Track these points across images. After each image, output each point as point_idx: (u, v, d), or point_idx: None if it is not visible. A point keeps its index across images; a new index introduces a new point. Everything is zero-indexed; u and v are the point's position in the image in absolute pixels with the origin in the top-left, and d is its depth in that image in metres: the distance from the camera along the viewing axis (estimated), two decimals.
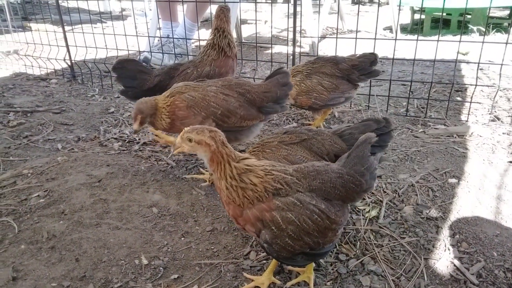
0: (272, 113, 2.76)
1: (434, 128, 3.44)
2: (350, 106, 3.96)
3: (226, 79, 2.76)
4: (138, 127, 2.55)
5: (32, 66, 5.53)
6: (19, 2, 10.00)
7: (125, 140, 3.41)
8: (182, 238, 2.20)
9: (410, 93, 4.08)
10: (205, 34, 7.80)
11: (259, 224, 1.65)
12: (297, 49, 4.01)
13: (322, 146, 2.15)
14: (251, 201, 1.65)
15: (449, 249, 2.12)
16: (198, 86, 2.64)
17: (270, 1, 8.20)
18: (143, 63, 5.25)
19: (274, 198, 1.64)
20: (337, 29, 4.13)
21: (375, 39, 3.61)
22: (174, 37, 5.14)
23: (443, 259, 2.07)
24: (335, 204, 1.74)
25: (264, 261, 2.06)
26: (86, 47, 4.95)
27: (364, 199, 2.53)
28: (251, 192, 1.64)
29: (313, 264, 1.96)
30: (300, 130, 2.21)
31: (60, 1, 4.98)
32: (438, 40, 3.45)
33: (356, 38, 3.67)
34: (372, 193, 2.58)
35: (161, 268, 2.00)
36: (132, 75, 3.06)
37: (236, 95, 2.63)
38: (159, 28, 5.67)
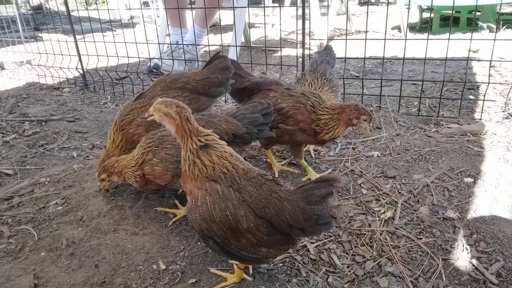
0: (218, 95, 2.86)
1: (448, 127, 3.41)
2: None
3: (161, 80, 2.74)
4: (107, 187, 2.56)
5: (45, 76, 5.63)
6: (30, 12, 10.18)
7: None
8: (199, 243, 2.22)
9: (422, 93, 4.05)
10: (214, 39, 7.86)
11: (189, 197, 1.81)
12: (306, 51, 4.01)
13: (220, 127, 2.29)
14: (195, 178, 1.77)
15: (467, 249, 2.10)
16: (143, 105, 2.63)
17: (278, 5, 8.22)
18: (154, 70, 5.32)
19: (207, 181, 1.75)
20: (346, 30, 4.14)
21: (385, 39, 3.61)
22: (183, 43, 5.19)
23: (461, 259, 2.05)
24: (261, 221, 1.69)
25: (281, 264, 2.07)
26: (97, 55, 5.02)
27: (378, 200, 2.53)
28: (198, 171, 1.76)
29: (241, 273, 1.94)
30: (194, 117, 2.31)
31: (70, 11, 5.06)
32: (448, 39, 3.43)
33: (365, 39, 3.66)
34: (387, 194, 2.57)
35: (178, 272, 2.02)
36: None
37: (180, 92, 2.64)
38: (168, 35, 5.73)
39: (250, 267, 2.02)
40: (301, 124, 2.60)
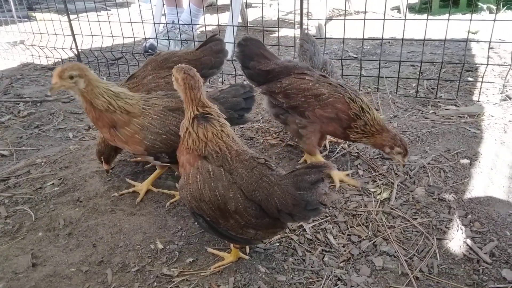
0: (210, 76, 2.88)
1: (445, 109, 3.41)
2: (359, 88, 3.93)
3: (152, 59, 2.73)
4: (107, 167, 2.56)
5: (39, 56, 5.55)
6: None
7: None
8: (196, 223, 2.23)
9: (420, 74, 4.03)
10: (210, 19, 7.74)
11: (181, 170, 1.85)
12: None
13: None
14: (187, 149, 1.80)
15: (461, 229, 2.13)
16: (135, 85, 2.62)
17: None
18: (149, 50, 5.25)
19: (199, 159, 1.77)
20: (345, 10, 4.08)
21: (384, 19, 3.56)
22: (179, 23, 5.11)
23: (456, 239, 2.08)
24: (250, 203, 1.70)
25: (277, 244, 2.09)
26: (92, 35, 4.94)
27: (374, 181, 2.54)
28: (191, 142, 1.78)
29: (238, 252, 1.96)
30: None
31: None
32: (448, 20, 3.39)
33: (364, 19, 3.61)
34: (383, 175, 2.58)
35: (176, 252, 2.04)
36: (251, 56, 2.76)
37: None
38: (164, 14, 5.63)
39: (247, 246, 2.03)
40: (339, 113, 2.47)
